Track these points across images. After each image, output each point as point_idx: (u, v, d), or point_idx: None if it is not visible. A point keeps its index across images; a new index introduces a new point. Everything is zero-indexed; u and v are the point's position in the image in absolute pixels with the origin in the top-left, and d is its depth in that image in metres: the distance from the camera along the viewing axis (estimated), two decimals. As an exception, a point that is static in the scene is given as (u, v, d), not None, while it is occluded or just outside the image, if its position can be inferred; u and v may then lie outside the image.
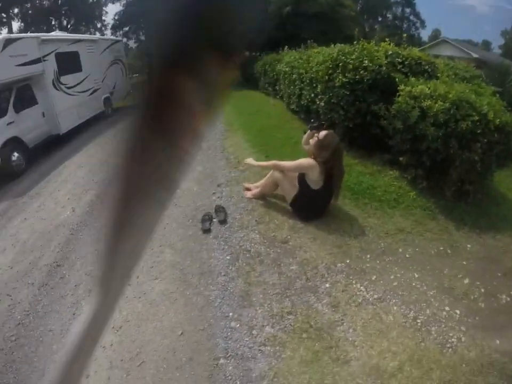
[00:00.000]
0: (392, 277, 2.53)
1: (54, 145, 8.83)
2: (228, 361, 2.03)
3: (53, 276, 3.18)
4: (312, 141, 3.13)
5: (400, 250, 2.82)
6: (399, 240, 2.94)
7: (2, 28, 32.71)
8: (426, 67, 4.54)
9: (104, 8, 40.78)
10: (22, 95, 7.87)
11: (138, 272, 2.86)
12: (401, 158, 3.85)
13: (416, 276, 2.54)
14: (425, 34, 55.76)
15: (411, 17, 47.02)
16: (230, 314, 2.34)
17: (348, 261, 2.69)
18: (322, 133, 3.09)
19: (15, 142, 7.28)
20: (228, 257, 2.85)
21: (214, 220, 3.41)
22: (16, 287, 3.19)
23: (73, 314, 2.63)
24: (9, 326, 2.73)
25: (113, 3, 41.86)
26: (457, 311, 2.23)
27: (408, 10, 46.62)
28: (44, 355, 2.39)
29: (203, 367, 2.03)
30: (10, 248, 3.99)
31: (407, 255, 2.76)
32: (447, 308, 2.26)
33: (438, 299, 2.33)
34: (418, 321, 2.17)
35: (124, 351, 2.24)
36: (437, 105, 3.28)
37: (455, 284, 2.47)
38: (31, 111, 8.09)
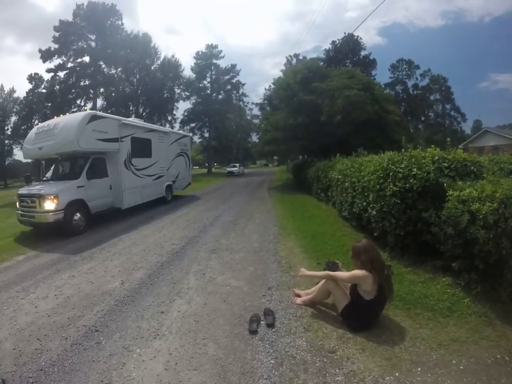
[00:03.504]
0: (444, 390, 2.29)
1: (113, 217, 9.66)
2: None
3: (89, 338, 3.22)
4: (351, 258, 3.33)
5: (454, 361, 2.59)
6: (453, 351, 2.72)
7: (88, 102, 39.48)
8: (472, 167, 4.58)
9: (175, 103, 47.68)
10: (95, 165, 9.07)
11: (178, 359, 2.83)
12: (453, 264, 3.72)
13: (471, 388, 2.28)
14: (467, 127, 57.43)
15: (452, 113, 48.95)
16: (268, 420, 2.17)
17: (397, 374, 2.48)
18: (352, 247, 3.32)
19: (80, 204, 8.19)
20: (272, 361, 2.75)
21: (262, 322, 3.37)
22: (48, 335, 3.28)
23: (101, 381, 2.58)
24: (30, 368, 2.76)
25: (183, 101, 49.12)
26: (515, 423, 1.92)
27: (448, 106, 48.82)
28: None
29: None
30: (53, 297, 4.21)
31: (461, 367, 2.52)
32: (503, 421, 1.96)
33: (494, 412, 2.03)
34: None
35: None
36: (485, 207, 3.23)
37: (513, 393, 2.18)
38: (101, 181, 9.20)
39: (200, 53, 49.59)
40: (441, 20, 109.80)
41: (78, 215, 8.06)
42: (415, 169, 4.47)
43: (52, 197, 7.47)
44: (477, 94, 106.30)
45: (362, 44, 47.61)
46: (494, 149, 17.94)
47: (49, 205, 7.43)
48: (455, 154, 4.82)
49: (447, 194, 3.87)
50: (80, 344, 3.12)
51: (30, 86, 45.92)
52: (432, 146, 5.05)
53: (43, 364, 2.83)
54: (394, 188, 4.57)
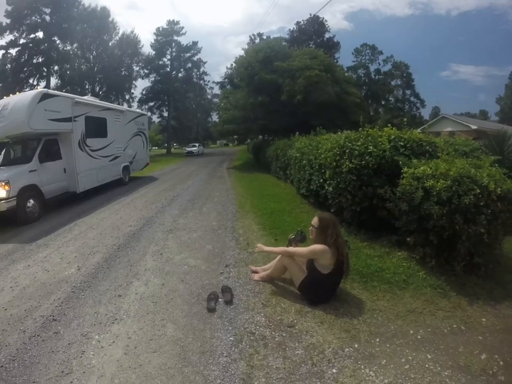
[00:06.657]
0: (403, 360, 2.40)
1: (69, 202, 9.12)
2: None
3: (47, 328, 3.07)
4: (312, 234, 3.29)
5: (411, 331, 2.72)
6: (410, 321, 2.86)
7: (41, 81, 36.36)
8: (427, 147, 4.74)
9: (134, 82, 45.11)
10: (48, 147, 8.42)
11: (136, 343, 2.76)
12: (408, 238, 3.88)
13: (429, 356, 2.41)
14: (426, 113, 60.09)
15: (412, 98, 51.35)
16: (230, 397, 2.18)
17: (356, 346, 2.57)
18: (315, 219, 3.28)
19: (33, 190, 7.58)
20: (231, 338, 2.74)
21: (220, 299, 3.37)
22: (6, 330, 3.10)
23: (62, 372, 2.47)
24: (-11, 365, 2.61)
25: (142, 79, 46.69)
26: (476, 389, 2.08)
27: (408, 92, 51.09)
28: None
29: None
30: (9, 290, 3.97)
31: (419, 336, 2.66)
32: (464, 387, 2.10)
33: (454, 379, 2.18)
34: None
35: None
36: (439, 183, 3.37)
37: (471, 361, 2.33)
38: (54, 164, 8.56)
39: (160, 29, 46.99)
40: (409, 9, 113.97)
41: (32, 201, 7.45)
42: (371, 147, 4.55)
43: (3, 184, 6.82)
44: (438, 82, 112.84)
45: (327, 26, 47.72)
46: (450, 134, 19.07)
47: (1, 192, 6.79)
48: (411, 134, 4.94)
49: (402, 171, 3.97)
50: (38, 335, 2.97)
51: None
52: (389, 125, 5.15)
53: (3, 360, 2.66)
54: (350, 165, 4.64)
